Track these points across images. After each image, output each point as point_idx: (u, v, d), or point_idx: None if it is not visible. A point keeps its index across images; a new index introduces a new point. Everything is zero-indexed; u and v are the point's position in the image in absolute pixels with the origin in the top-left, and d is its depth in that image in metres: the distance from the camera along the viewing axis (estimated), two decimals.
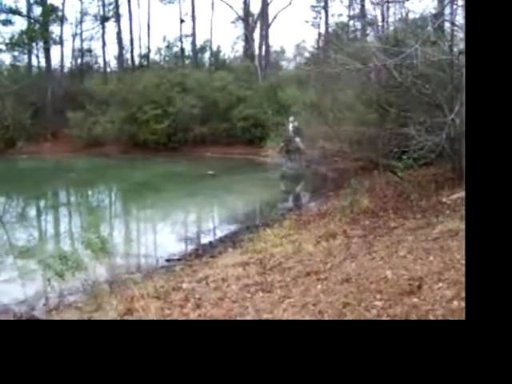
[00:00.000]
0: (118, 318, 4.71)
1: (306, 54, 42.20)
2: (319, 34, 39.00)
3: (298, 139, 19.31)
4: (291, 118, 20.31)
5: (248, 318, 4.37)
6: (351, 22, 36.78)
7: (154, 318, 4.71)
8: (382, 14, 26.12)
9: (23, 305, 6.82)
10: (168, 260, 8.68)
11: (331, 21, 36.90)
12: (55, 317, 5.56)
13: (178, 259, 8.62)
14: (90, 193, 19.44)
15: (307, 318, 4.10)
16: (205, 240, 10.37)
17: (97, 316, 4.97)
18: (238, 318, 4.24)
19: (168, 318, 4.71)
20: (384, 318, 3.82)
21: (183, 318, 4.77)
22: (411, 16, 16.27)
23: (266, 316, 4.33)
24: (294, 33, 70.47)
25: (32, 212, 16.01)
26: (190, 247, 9.78)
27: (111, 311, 4.89)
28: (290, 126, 20.09)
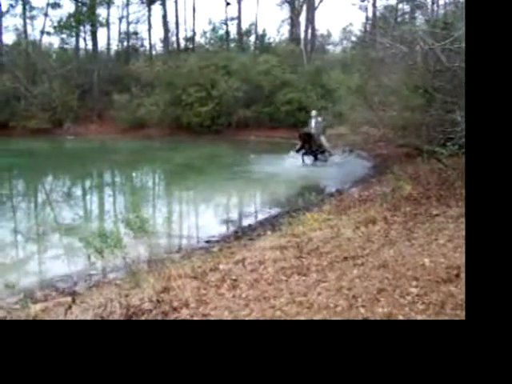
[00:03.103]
0: (154, 297, 4.79)
1: (353, 38, 41.68)
2: (366, 18, 38.44)
3: (322, 137, 17.58)
4: (313, 113, 18.44)
5: (282, 299, 4.38)
6: (400, 5, 36.05)
7: (190, 297, 4.78)
8: None
9: (66, 281, 7.04)
10: (207, 241, 8.76)
11: (379, 4, 36.49)
12: (95, 293, 5.69)
13: (217, 241, 8.69)
14: (133, 174, 19.75)
15: (341, 302, 4.08)
16: (244, 223, 10.41)
17: (134, 293, 5.07)
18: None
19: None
20: (419, 305, 3.78)
21: (219, 298, 4.82)
22: None
23: (299, 299, 4.32)
24: (340, 16, 69.54)
25: (77, 191, 16.39)
26: (230, 229, 9.84)
27: (148, 289, 4.97)
28: (313, 123, 17.97)
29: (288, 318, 3.91)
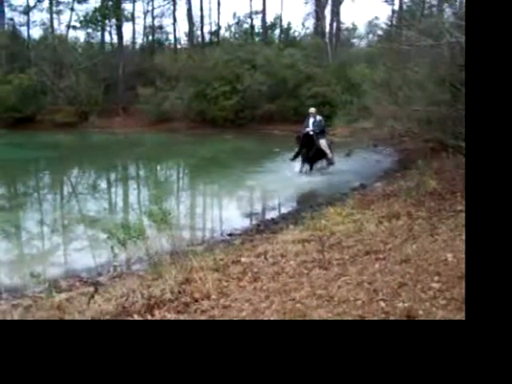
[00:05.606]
0: (176, 288, 4.83)
1: (379, 32, 41.23)
2: (393, 11, 37.95)
3: (323, 141, 14.70)
4: (312, 110, 15.28)
5: (302, 292, 4.38)
6: None
7: (211, 289, 4.80)
8: None
9: (91, 271, 7.17)
10: (230, 234, 8.80)
11: None
12: (118, 283, 5.76)
13: (240, 234, 8.73)
14: (158, 167, 19.89)
15: (361, 295, 4.07)
16: (267, 216, 10.42)
17: (156, 284, 5.11)
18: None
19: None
20: (440, 301, 3.75)
21: (240, 290, 4.85)
22: None
23: (320, 292, 4.32)
24: (366, 10, 68.82)
25: (102, 184, 16.57)
26: (253, 223, 9.86)
27: (170, 280, 5.01)
28: (311, 122, 14.84)
29: (308, 311, 3.91)
